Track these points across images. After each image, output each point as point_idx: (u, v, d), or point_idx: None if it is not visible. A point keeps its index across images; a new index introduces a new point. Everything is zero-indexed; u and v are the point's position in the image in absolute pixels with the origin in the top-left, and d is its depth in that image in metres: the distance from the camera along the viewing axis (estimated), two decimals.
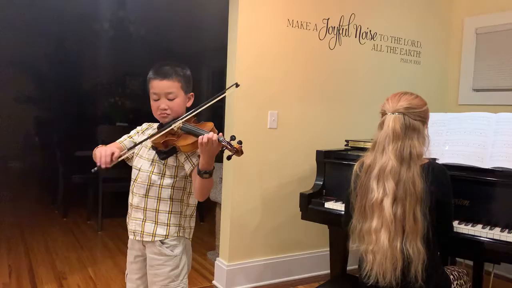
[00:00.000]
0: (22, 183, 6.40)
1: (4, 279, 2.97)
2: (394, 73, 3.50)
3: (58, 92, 6.69)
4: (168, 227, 1.72)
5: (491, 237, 1.85)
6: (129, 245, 1.83)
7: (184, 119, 1.64)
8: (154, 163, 1.72)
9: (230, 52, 2.92)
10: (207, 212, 4.52)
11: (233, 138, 1.52)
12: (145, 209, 1.72)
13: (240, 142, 1.52)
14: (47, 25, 6.29)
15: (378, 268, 1.57)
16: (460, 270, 1.88)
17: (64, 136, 5.23)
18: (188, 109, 1.70)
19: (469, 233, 1.89)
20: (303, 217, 2.49)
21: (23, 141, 7.01)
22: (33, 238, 3.88)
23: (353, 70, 3.30)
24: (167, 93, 1.69)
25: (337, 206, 2.33)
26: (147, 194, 1.71)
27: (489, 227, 1.90)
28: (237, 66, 2.84)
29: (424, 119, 1.69)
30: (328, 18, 3.14)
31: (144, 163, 1.74)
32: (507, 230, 1.87)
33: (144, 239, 1.72)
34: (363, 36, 3.32)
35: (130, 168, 1.81)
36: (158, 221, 1.71)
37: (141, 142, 1.70)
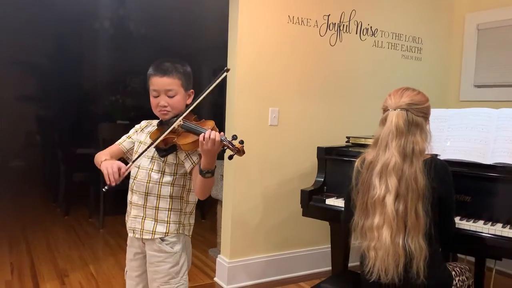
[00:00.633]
0: (23, 181, 6.42)
1: (6, 277, 2.98)
2: (395, 70, 3.49)
3: (59, 91, 6.69)
4: (168, 224, 1.71)
5: (493, 233, 1.84)
6: (128, 242, 1.82)
7: (183, 115, 1.63)
8: (154, 161, 1.72)
9: (231, 49, 2.91)
10: (209, 209, 4.52)
11: (234, 137, 1.50)
12: (144, 206, 1.71)
13: (242, 142, 1.50)
14: (47, 24, 6.29)
15: (380, 265, 1.57)
16: (462, 266, 1.87)
17: (65, 135, 5.24)
18: (188, 106, 1.68)
19: (471, 229, 1.88)
20: (304, 214, 2.48)
21: (24, 140, 7.03)
22: (35, 236, 3.88)
23: (354, 66, 3.29)
24: (167, 90, 1.68)
25: (338, 202, 2.32)
26: (146, 191, 1.70)
27: (490, 223, 1.90)
28: (238, 63, 2.84)
29: (426, 115, 1.68)
30: (329, 15, 3.13)
31: (144, 161, 1.73)
32: (508, 226, 1.87)
33: (144, 237, 1.72)
34: (364, 33, 3.31)
35: None
36: (158, 218, 1.71)
37: (146, 149, 1.66)
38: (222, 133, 1.53)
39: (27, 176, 6.62)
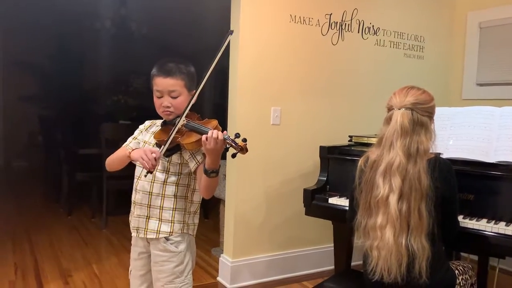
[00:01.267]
0: (26, 181, 6.44)
1: (10, 277, 2.99)
2: (397, 68, 3.48)
3: (61, 91, 6.72)
4: (172, 224, 1.71)
5: (496, 231, 1.84)
6: (132, 242, 1.83)
7: (186, 112, 1.63)
8: (158, 160, 1.72)
9: (233, 48, 2.91)
10: (211, 208, 4.52)
11: (237, 135, 1.51)
12: (149, 206, 1.72)
13: (244, 140, 1.51)
14: (49, 25, 6.31)
15: (383, 264, 1.57)
16: (465, 265, 1.87)
17: (68, 135, 5.24)
18: (192, 106, 1.69)
19: (474, 227, 1.88)
20: (307, 213, 2.48)
21: (27, 140, 7.05)
22: (38, 236, 3.89)
23: (356, 65, 3.29)
24: (171, 91, 1.68)
25: (341, 201, 2.33)
26: (151, 191, 1.71)
27: (494, 221, 1.89)
28: (240, 63, 2.84)
29: (431, 114, 1.67)
30: (331, 14, 3.13)
31: None
32: None
33: (148, 236, 1.72)
34: (366, 31, 3.31)
35: (134, 166, 1.81)
36: (162, 218, 1.71)
37: (167, 141, 1.63)
38: (225, 131, 1.53)
39: (29, 176, 6.64)
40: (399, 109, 1.63)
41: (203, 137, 1.51)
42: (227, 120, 3.00)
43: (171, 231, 1.71)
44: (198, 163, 1.66)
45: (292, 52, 3.02)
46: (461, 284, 1.76)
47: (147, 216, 1.72)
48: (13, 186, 6.14)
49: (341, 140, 2.78)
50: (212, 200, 3.83)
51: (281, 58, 2.98)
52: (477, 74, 3.64)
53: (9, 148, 7.28)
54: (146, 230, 1.72)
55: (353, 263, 2.62)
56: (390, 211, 1.56)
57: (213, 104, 6.93)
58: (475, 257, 2.31)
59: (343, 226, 2.41)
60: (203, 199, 1.80)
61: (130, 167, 1.83)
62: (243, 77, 2.86)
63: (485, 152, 2.03)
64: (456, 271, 1.77)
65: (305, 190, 2.47)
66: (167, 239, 1.71)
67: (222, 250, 3.14)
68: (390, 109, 1.68)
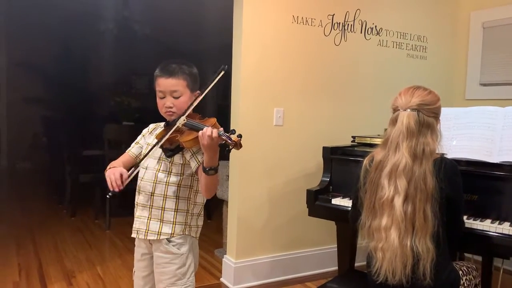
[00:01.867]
0: (30, 182, 6.46)
1: (14, 278, 3.00)
2: (400, 69, 3.48)
3: (65, 92, 6.72)
4: (174, 225, 1.71)
5: (500, 231, 1.83)
6: (136, 243, 1.83)
7: (186, 113, 1.64)
8: (161, 161, 1.73)
9: (235, 49, 2.92)
10: (214, 209, 4.52)
11: (233, 132, 1.52)
12: (150, 206, 1.72)
13: (239, 136, 1.51)
14: (53, 26, 6.33)
15: (388, 266, 1.56)
16: (469, 266, 1.86)
17: (71, 136, 5.26)
18: (194, 107, 1.69)
19: (478, 228, 1.88)
20: (310, 214, 2.48)
21: (31, 141, 7.07)
22: (42, 237, 3.90)
23: (358, 66, 3.29)
24: (173, 91, 1.69)
25: (344, 202, 2.32)
26: (153, 191, 1.71)
27: (498, 222, 1.89)
28: (243, 64, 2.84)
29: (437, 115, 1.66)
30: (333, 14, 3.13)
31: (150, 161, 1.74)
32: None
33: (149, 238, 1.72)
34: (369, 32, 3.30)
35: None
36: (164, 219, 1.71)
37: (151, 150, 1.69)
38: (221, 128, 1.54)
39: (33, 178, 6.66)
40: (405, 110, 1.61)
41: (199, 133, 1.53)
42: (230, 121, 3.00)
43: (173, 232, 1.71)
44: (199, 163, 1.66)
45: (294, 53, 3.02)
46: (465, 284, 1.75)
47: (148, 217, 1.72)
48: (17, 188, 6.16)
49: (344, 140, 2.78)
50: (215, 201, 3.84)
51: (283, 59, 2.98)
52: (481, 74, 3.63)
53: (13, 150, 7.31)
54: (147, 231, 1.72)
55: (356, 264, 2.61)
56: (395, 212, 1.55)
57: (216, 104, 6.94)
58: (479, 258, 2.30)
59: (347, 226, 2.41)
60: (206, 200, 1.79)
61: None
62: (246, 78, 2.86)
63: (488, 152, 2.03)
64: (460, 272, 1.76)
65: (308, 191, 2.47)
66: (169, 240, 1.71)
67: (225, 251, 3.14)
68: (395, 110, 1.66)
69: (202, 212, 1.83)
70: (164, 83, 1.69)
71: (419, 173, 1.55)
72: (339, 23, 3.17)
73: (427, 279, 1.54)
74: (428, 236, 1.54)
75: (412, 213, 1.54)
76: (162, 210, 1.71)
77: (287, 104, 3.02)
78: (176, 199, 1.72)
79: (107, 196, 1.64)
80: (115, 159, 1.84)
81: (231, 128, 1.56)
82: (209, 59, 6.42)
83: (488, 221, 1.90)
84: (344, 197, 2.38)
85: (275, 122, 2.98)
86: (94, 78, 7.17)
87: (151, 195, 1.71)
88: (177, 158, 1.71)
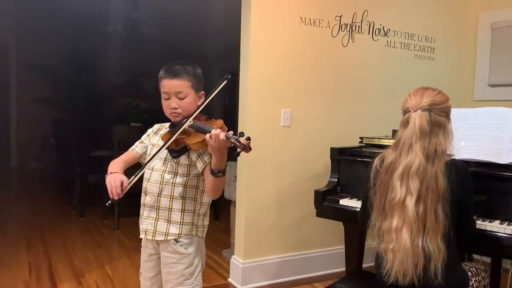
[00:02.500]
0: (40, 183, 6.50)
1: (24, 277, 3.02)
2: (408, 70, 3.46)
3: (74, 94, 6.77)
4: (181, 225, 1.72)
5: (509, 233, 1.82)
6: (143, 243, 1.84)
7: (193, 116, 1.64)
8: (167, 162, 1.73)
9: (243, 50, 2.92)
10: (222, 210, 4.53)
11: (241, 134, 1.51)
12: (158, 207, 1.72)
13: (248, 139, 1.50)
14: (62, 29, 6.38)
15: (399, 267, 1.55)
16: (478, 267, 1.85)
17: (80, 137, 5.29)
18: (197, 108, 1.70)
19: (487, 229, 1.86)
20: (318, 214, 2.48)
21: (41, 142, 7.11)
22: (52, 237, 3.93)
23: (366, 67, 3.28)
24: (177, 92, 1.69)
25: (352, 203, 2.32)
26: (160, 193, 1.72)
27: (506, 222, 1.88)
28: (250, 65, 2.85)
29: (448, 114, 1.66)
30: (341, 15, 3.13)
31: (156, 163, 1.74)
32: None
33: (156, 238, 1.73)
34: (376, 33, 3.30)
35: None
36: (171, 219, 1.71)
37: (158, 151, 1.67)
38: (231, 132, 1.54)
39: (43, 178, 6.70)
40: (416, 111, 1.61)
41: (207, 136, 1.52)
42: (237, 122, 3.01)
43: (180, 233, 1.71)
44: (205, 163, 1.67)
45: (302, 54, 3.02)
46: (474, 286, 1.74)
47: (155, 218, 1.73)
48: (27, 188, 6.21)
49: (351, 141, 2.77)
50: (223, 202, 3.85)
51: (291, 60, 2.98)
52: (489, 75, 3.60)
53: (23, 150, 7.36)
54: (154, 232, 1.73)
55: (364, 265, 2.60)
56: (407, 213, 1.54)
57: (223, 105, 6.94)
58: (488, 259, 2.28)
59: (355, 227, 2.42)
60: (213, 200, 1.80)
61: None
62: (254, 79, 2.87)
63: (497, 153, 2.01)
64: (469, 273, 1.75)
65: (316, 192, 2.47)
66: (176, 241, 1.71)
67: (233, 252, 3.14)
68: (406, 111, 1.66)
69: (208, 212, 1.83)
70: (168, 84, 1.69)
71: (431, 173, 1.55)
72: (347, 24, 3.16)
73: (438, 278, 1.53)
74: (440, 236, 1.53)
75: (423, 213, 1.54)
76: (169, 210, 1.72)
77: (295, 105, 3.02)
78: (183, 199, 1.72)
79: (106, 204, 1.64)
80: None
81: (240, 131, 1.56)
82: (216, 60, 6.45)
83: (497, 222, 1.89)
84: (352, 197, 2.37)
85: (282, 123, 2.99)
86: (103, 79, 7.21)
87: (158, 196, 1.72)
88: (183, 159, 1.71)
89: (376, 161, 1.70)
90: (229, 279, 3.08)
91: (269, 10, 2.87)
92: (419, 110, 1.60)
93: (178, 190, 1.71)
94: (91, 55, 6.98)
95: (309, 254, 3.18)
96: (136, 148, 1.86)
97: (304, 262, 3.15)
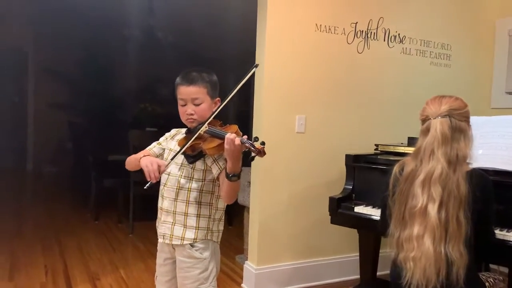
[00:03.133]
0: (56, 187, 6.58)
1: (41, 279, 3.06)
2: (424, 77, 3.44)
3: (90, 98, 6.87)
4: (197, 230, 1.74)
5: None
6: (158, 247, 1.86)
7: (208, 121, 1.67)
8: (183, 167, 1.75)
9: (258, 56, 2.94)
10: (236, 216, 4.54)
11: (256, 139, 1.53)
12: (174, 212, 1.75)
13: (263, 143, 1.52)
14: (79, 33, 6.48)
15: (421, 275, 1.53)
16: (495, 277, 1.83)
17: (96, 141, 5.35)
18: (216, 114, 1.72)
19: (505, 238, 1.84)
20: (332, 221, 2.48)
21: (57, 146, 7.22)
22: (67, 240, 3.98)
23: (381, 74, 3.28)
24: (193, 99, 1.72)
25: (368, 210, 2.32)
26: (176, 197, 1.74)
27: None
28: (265, 71, 2.86)
29: (468, 119, 1.65)
30: (356, 22, 3.13)
31: (173, 168, 1.77)
32: None
33: (173, 243, 1.75)
34: (392, 40, 3.29)
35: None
36: (187, 224, 1.73)
37: (177, 154, 1.70)
38: (245, 136, 1.56)
39: (59, 182, 6.79)
40: (436, 117, 1.60)
41: (223, 140, 1.55)
42: (252, 128, 3.02)
43: (195, 237, 1.73)
44: (220, 168, 1.69)
45: (317, 61, 3.03)
46: None
47: (172, 222, 1.75)
48: (43, 191, 6.29)
49: (367, 148, 2.77)
50: (236, 207, 3.86)
51: (306, 66, 2.99)
52: (507, 82, 3.57)
53: (39, 154, 7.48)
54: (171, 236, 1.75)
55: (378, 273, 2.58)
56: (429, 220, 1.53)
57: (237, 110, 6.98)
58: (505, 269, 2.25)
59: (369, 235, 2.41)
60: (227, 206, 1.82)
61: None
62: (269, 85, 2.88)
63: None
64: (487, 283, 1.73)
65: (331, 199, 2.47)
66: (192, 245, 1.73)
67: (247, 257, 3.14)
68: (425, 120, 1.65)
69: (223, 217, 1.85)
70: (185, 91, 1.73)
71: (452, 180, 1.54)
72: (362, 31, 3.16)
73: (460, 283, 1.52)
74: (461, 242, 1.52)
75: (445, 220, 1.53)
76: (185, 215, 1.74)
77: (309, 111, 3.03)
78: (198, 204, 1.74)
79: (145, 187, 1.65)
80: None
81: (254, 136, 1.58)
82: (232, 66, 6.48)
83: None
84: (367, 205, 2.37)
85: (297, 129, 2.99)
86: (118, 84, 7.30)
87: (174, 200, 1.75)
88: (198, 164, 1.74)
89: (396, 169, 1.69)
90: (242, 285, 3.08)
91: (285, 17, 2.89)
92: (439, 117, 1.60)
93: (194, 195, 1.74)
94: (107, 59, 7.08)
95: (323, 261, 3.16)
96: (154, 149, 1.89)
97: (318, 269, 3.14)
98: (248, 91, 3.14)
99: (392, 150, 2.60)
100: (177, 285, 1.80)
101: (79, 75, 7.19)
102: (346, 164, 2.56)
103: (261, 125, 2.90)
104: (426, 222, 1.54)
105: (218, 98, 1.80)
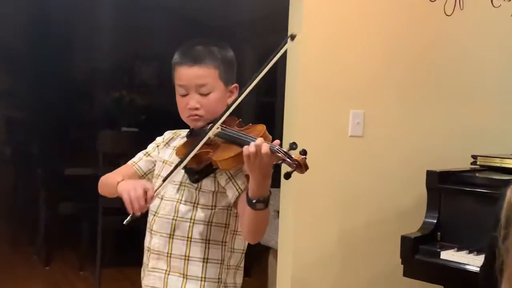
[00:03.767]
0: None
1: None
2: None
3: (40, 83, 6.94)
4: (203, 282, 1.74)
5: None
6: None
7: (222, 119, 1.67)
8: (183, 188, 1.77)
9: (292, 23, 2.96)
10: (255, 261, 4.53)
11: (293, 146, 1.51)
12: (169, 255, 1.75)
13: (304, 152, 1.50)
14: None
15: None
16: None
17: (48, 147, 5.41)
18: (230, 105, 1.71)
19: None
20: (406, 273, 2.49)
21: None
22: None
23: (482, 48, 3.25)
24: (199, 86, 1.73)
25: (461, 257, 2.32)
26: (172, 233, 1.75)
27: None
28: (303, 46, 2.84)
29: None
30: None
31: (168, 189, 1.78)
32: None
33: None
34: None
35: None
36: (188, 273, 1.74)
37: (172, 172, 1.70)
38: (276, 141, 1.54)
39: None
40: None
41: (244, 149, 1.52)
42: (282, 128, 3.05)
43: None
44: (239, 190, 1.69)
45: (383, 29, 3.02)
46: None
47: (166, 271, 1.76)
48: None
49: (459, 161, 2.79)
50: (256, 249, 3.84)
51: (366, 37, 2.99)
52: None
53: None
54: None
55: None
56: None
57: (256, 102, 6.94)
58: None
59: None
60: (248, 247, 1.84)
61: None
62: (307, 67, 2.90)
63: None
64: None
65: (403, 238, 2.47)
66: None
67: None
68: None
69: (242, 264, 1.86)
70: (186, 74, 1.74)
71: None
72: None
73: None
74: None
75: None
76: (185, 260, 1.75)
77: (370, 105, 3.02)
78: (206, 243, 1.75)
79: (124, 222, 1.66)
80: None
81: (291, 141, 1.55)
82: (246, 36, 6.50)
83: None
84: (459, 249, 2.37)
85: (351, 132, 2.99)
86: (81, 63, 7.37)
87: (170, 237, 1.75)
88: (206, 184, 1.74)
89: (510, 195, 1.66)
90: None
91: None
92: None
93: (199, 230, 1.74)
94: (63, 28, 7.14)
95: None
96: (139, 163, 1.90)
97: None
98: (273, 74, 3.14)
99: (498, 165, 2.61)
100: None
101: (22, 49, 7.28)
102: (428, 186, 2.57)
103: (295, 125, 2.91)
104: None
105: (235, 85, 1.81)
